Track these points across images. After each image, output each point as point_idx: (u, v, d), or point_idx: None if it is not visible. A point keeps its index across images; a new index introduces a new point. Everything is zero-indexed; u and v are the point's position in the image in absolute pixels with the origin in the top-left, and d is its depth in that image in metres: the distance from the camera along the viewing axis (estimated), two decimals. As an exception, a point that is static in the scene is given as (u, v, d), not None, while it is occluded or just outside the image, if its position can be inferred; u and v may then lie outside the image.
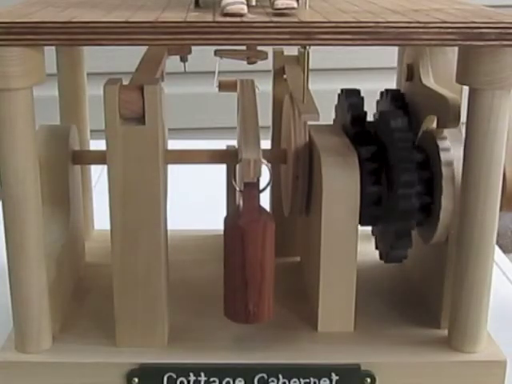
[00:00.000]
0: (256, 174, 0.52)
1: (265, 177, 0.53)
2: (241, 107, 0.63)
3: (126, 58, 0.74)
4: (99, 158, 0.64)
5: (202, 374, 0.56)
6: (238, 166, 0.54)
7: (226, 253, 0.54)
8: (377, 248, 0.63)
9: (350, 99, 0.64)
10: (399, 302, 0.65)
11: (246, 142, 0.55)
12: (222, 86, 0.74)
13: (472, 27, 0.49)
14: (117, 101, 0.52)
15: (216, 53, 0.69)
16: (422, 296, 0.66)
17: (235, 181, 0.56)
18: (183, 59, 0.73)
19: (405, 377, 0.57)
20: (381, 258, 0.62)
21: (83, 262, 0.71)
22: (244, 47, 0.70)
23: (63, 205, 0.64)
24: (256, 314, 0.54)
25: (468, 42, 0.50)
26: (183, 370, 0.56)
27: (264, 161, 0.52)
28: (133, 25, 0.49)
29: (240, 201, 0.54)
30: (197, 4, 0.56)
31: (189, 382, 0.56)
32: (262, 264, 0.53)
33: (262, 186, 0.53)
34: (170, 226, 0.59)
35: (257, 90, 0.67)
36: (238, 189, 0.54)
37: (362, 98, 0.64)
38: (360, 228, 0.58)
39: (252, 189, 0.53)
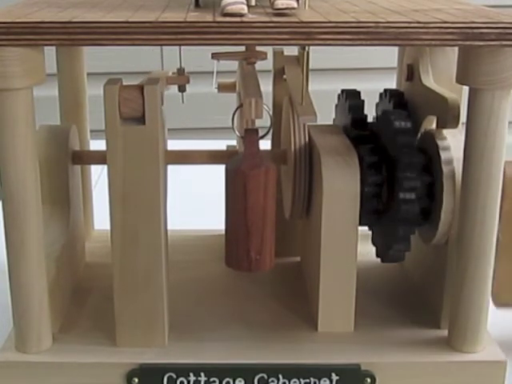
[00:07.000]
0: (257, 115, 0.52)
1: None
2: (240, 74, 0.62)
3: (126, 58, 0.74)
4: (99, 158, 0.64)
5: (202, 374, 0.56)
6: (237, 113, 0.53)
7: (228, 200, 0.53)
8: (378, 256, 0.62)
9: (351, 101, 0.64)
10: (399, 302, 0.65)
11: (246, 88, 0.54)
12: (222, 88, 0.74)
13: (472, 27, 0.49)
14: (117, 101, 0.52)
15: (213, 56, 0.69)
16: (422, 296, 0.65)
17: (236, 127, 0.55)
18: (181, 89, 0.72)
19: (405, 377, 0.57)
20: (382, 260, 0.61)
21: (83, 262, 0.71)
22: (241, 48, 0.70)
23: (63, 205, 0.64)
24: (258, 262, 0.54)
25: (468, 42, 0.50)
26: (183, 370, 0.56)
27: (265, 105, 0.52)
28: (133, 25, 0.49)
29: (241, 147, 0.53)
30: (197, 4, 0.56)
31: (189, 382, 0.56)
32: (264, 209, 0.53)
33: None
34: (170, 226, 0.59)
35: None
36: (238, 135, 0.53)
37: (360, 96, 0.64)
38: (360, 228, 0.58)
39: (253, 134, 0.53)
